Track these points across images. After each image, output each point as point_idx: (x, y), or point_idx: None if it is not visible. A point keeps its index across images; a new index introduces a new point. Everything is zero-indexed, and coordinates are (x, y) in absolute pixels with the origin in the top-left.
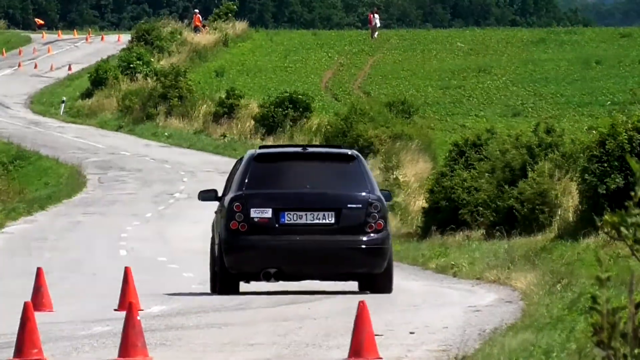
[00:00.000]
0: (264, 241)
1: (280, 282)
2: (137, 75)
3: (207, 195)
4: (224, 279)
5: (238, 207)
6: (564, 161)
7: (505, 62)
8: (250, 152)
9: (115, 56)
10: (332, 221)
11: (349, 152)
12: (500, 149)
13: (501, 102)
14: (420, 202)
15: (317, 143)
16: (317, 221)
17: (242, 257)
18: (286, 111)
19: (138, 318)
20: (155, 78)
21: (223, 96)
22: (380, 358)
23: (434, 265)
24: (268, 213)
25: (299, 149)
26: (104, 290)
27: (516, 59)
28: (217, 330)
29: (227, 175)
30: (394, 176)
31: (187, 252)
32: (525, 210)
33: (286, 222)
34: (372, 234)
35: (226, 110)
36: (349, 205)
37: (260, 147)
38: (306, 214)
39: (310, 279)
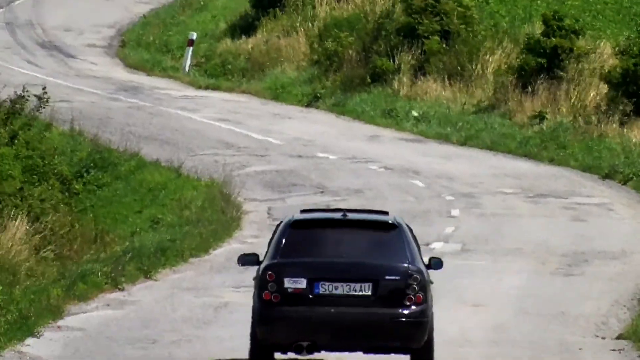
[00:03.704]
0: (297, 312)
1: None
2: None
3: (247, 259)
4: (256, 350)
5: (271, 276)
6: None
7: None
8: (288, 218)
9: None
10: (369, 293)
11: (390, 220)
12: None
13: None
14: None
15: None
16: (353, 292)
17: (273, 329)
18: None
19: None
20: None
21: (537, 32)
22: None
23: None
24: (302, 283)
25: (338, 215)
26: None
27: None
28: None
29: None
30: None
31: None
32: None
33: (321, 292)
34: (411, 307)
35: (544, 61)
36: (386, 277)
37: (301, 212)
38: (342, 285)
39: (343, 351)
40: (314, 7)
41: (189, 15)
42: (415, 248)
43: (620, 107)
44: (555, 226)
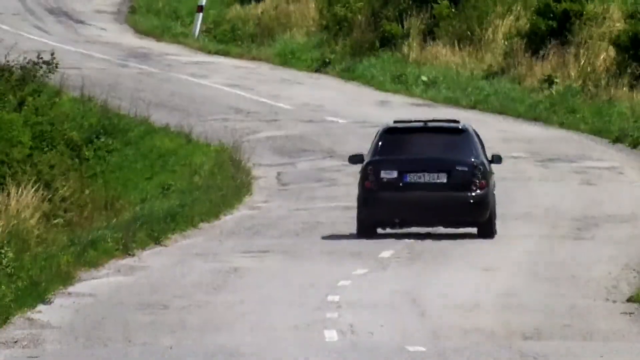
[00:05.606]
0: (390, 197)
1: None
2: None
3: (355, 159)
4: (361, 227)
5: (371, 170)
6: None
7: None
8: (383, 125)
9: None
10: (445, 180)
11: (460, 126)
12: None
13: None
14: None
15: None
16: (432, 180)
17: (374, 210)
18: None
19: None
20: None
21: None
22: None
23: None
24: (394, 174)
25: (421, 124)
26: None
27: None
28: None
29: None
30: None
31: (468, 334)
32: None
33: (408, 181)
34: (476, 191)
35: (552, 26)
36: (457, 168)
37: (394, 122)
38: (424, 175)
39: (427, 226)
40: None
41: None
42: (480, 147)
43: (629, 71)
44: (565, 190)
